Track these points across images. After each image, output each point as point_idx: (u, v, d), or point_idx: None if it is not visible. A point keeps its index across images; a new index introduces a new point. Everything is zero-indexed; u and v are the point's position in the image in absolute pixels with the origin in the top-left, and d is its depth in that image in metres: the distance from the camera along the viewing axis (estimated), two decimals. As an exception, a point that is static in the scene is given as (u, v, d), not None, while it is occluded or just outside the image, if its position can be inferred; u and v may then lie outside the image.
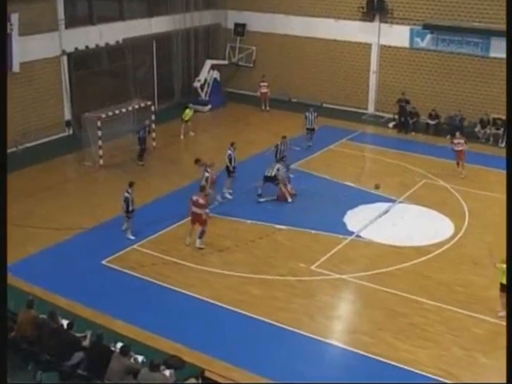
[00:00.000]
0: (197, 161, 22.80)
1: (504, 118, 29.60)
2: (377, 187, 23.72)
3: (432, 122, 30.88)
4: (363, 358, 15.15)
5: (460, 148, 25.22)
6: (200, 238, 19.82)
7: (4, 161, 13.86)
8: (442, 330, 16.15)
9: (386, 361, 14.98)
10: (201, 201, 19.72)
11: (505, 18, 29.16)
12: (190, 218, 20.11)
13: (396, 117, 31.65)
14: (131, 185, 20.29)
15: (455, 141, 25.41)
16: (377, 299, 17.49)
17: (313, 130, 28.07)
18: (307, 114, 28.06)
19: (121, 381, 12.62)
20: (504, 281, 16.36)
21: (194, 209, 19.78)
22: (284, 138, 24.93)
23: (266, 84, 33.73)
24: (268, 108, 33.96)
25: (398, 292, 17.70)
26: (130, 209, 20.14)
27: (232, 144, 23.43)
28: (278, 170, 23.06)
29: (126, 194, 20.12)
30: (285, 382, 14.18)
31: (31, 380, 12.86)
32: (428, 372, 14.64)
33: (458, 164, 25.42)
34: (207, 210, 20.04)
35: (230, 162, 23.15)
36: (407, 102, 31.09)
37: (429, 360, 15.04)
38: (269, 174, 23.03)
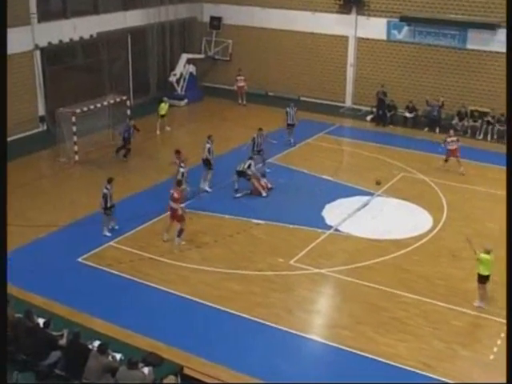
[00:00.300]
0: (177, 152, 22.51)
1: (481, 109, 29.85)
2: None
3: (409, 115, 30.86)
4: (343, 352, 15.10)
5: (454, 146, 24.96)
6: (178, 236, 19.65)
7: (4, 153, 13.53)
8: (421, 323, 16.15)
9: (365, 355, 14.95)
10: (175, 195, 19.58)
11: (482, 11, 29.58)
12: (169, 212, 19.99)
13: (374, 110, 31.62)
14: (110, 181, 20.06)
15: (448, 139, 25.09)
16: (356, 293, 17.44)
17: (293, 125, 27.90)
18: (288, 109, 27.80)
19: (99, 380, 12.50)
20: (481, 271, 16.44)
21: (170, 203, 19.63)
22: (260, 130, 24.82)
23: (242, 78, 33.55)
24: (245, 102, 33.79)
25: (378, 286, 17.67)
26: (109, 205, 19.89)
27: (209, 137, 23.30)
28: (249, 165, 22.97)
29: (105, 190, 19.86)
30: (266, 382, 14.08)
31: (7, 380, 12.63)
32: (408, 365, 14.62)
33: (446, 161, 25.17)
34: (182, 205, 19.80)
35: (210, 154, 23.02)
36: (385, 94, 31.07)
37: (409, 353, 15.03)
38: (240, 169, 22.98)
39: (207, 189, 23.23)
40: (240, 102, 33.83)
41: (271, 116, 30.80)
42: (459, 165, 25.08)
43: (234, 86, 33.84)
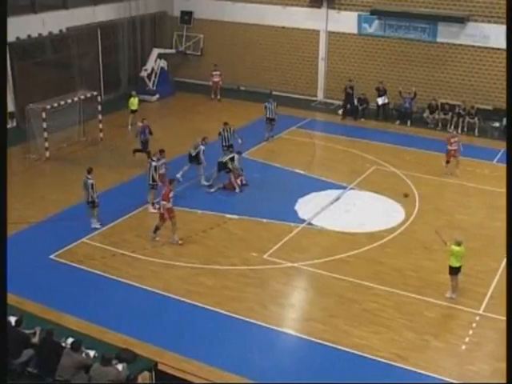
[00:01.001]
0: (161, 151, 22.21)
1: (452, 102, 30.05)
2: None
3: (382, 101, 30.77)
4: (316, 345, 15.17)
5: (455, 147, 24.16)
6: (154, 232, 19.49)
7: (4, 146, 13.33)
8: (394, 314, 16.26)
9: (339, 347, 15.03)
10: (164, 191, 19.34)
11: (451, 4, 29.85)
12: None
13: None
14: (90, 171, 20.01)
15: (452, 140, 24.18)
16: (329, 286, 17.51)
17: (274, 119, 27.83)
18: (267, 104, 27.74)
19: (72, 377, 12.40)
20: (452, 263, 16.57)
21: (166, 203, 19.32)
22: (226, 124, 24.57)
23: (218, 73, 33.38)
24: (219, 97, 33.60)
25: (351, 278, 17.75)
26: (96, 195, 19.88)
27: (204, 139, 23.29)
28: (231, 158, 22.92)
29: (90, 181, 19.82)
30: (240, 376, 14.09)
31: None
32: (380, 356, 14.73)
33: (447, 162, 24.30)
34: (163, 203, 19.24)
35: (202, 154, 23.07)
36: (352, 88, 31.05)
37: (381, 345, 15.14)
38: (222, 160, 23.00)
39: (205, 183, 23.28)
40: (213, 97, 33.64)
41: (243, 110, 30.82)
42: (457, 165, 24.44)
43: (210, 82, 33.66)
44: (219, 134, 24.51)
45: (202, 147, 23.08)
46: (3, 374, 11.28)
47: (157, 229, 19.47)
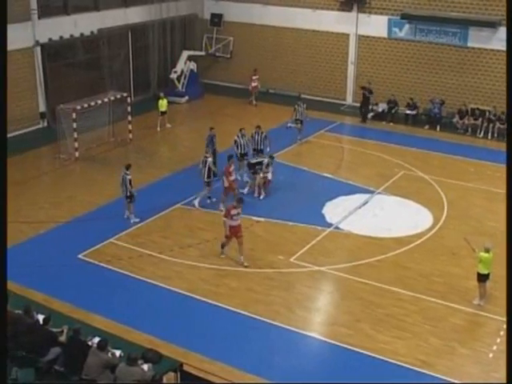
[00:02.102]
0: (230, 157, 21.96)
1: (482, 108, 29.80)
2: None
3: (410, 112, 30.79)
4: (341, 349, 15.12)
5: None
6: (221, 247, 18.97)
7: (4, 150, 13.50)
8: (419, 320, 16.16)
9: (363, 352, 14.96)
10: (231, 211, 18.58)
11: (483, 8, 29.58)
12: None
13: (375, 107, 31.56)
14: (129, 167, 20.41)
15: None
16: (355, 291, 17.45)
17: (301, 121, 27.78)
18: (297, 106, 27.79)
19: (98, 376, 12.47)
20: (481, 270, 16.43)
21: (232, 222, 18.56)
22: (258, 127, 24.46)
23: (257, 77, 33.37)
24: (255, 102, 33.51)
25: (377, 283, 17.67)
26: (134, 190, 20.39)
27: (240, 130, 23.61)
28: (260, 163, 22.87)
29: (128, 177, 20.22)
30: (264, 379, 14.10)
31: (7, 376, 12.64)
32: (405, 362, 14.64)
33: None
34: (224, 219, 18.52)
35: (238, 148, 23.41)
36: (369, 91, 30.93)
37: (406, 350, 15.04)
38: (251, 161, 23.09)
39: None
40: (254, 102, 33.43)
41: (272, 113, 30.79)
42: None
43: (249, 86, 33.62)
44: (251, 136, 24.46)
45: (235, 137, 23.36)
46: (3, 374, 11.36)
47: (223, 245, 18.98)
